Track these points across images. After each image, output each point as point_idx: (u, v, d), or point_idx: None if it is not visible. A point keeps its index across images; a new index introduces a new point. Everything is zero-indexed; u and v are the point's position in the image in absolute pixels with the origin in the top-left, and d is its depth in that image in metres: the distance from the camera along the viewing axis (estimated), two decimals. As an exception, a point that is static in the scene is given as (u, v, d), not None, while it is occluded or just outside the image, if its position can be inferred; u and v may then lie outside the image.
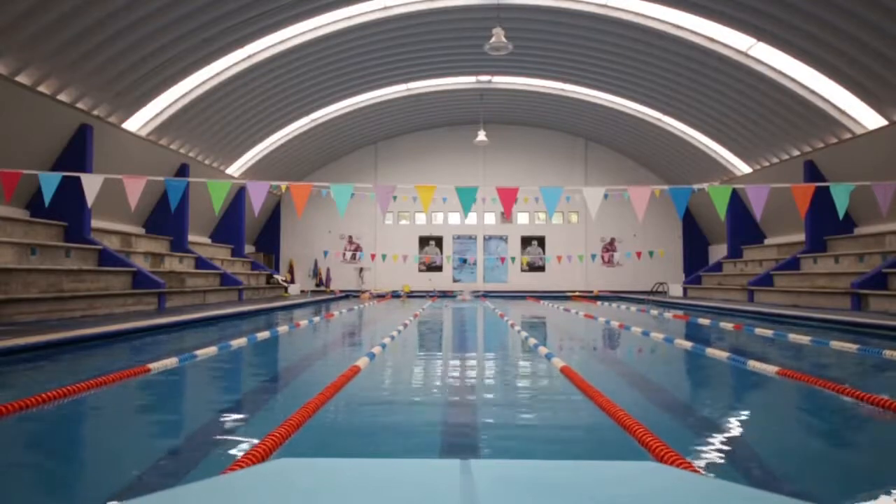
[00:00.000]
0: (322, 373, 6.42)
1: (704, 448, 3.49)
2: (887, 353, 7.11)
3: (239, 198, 21.89)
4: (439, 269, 27.87)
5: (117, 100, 14.12)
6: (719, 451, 3.43)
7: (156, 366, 5.94)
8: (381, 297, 24.28)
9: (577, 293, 25.77)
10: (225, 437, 3.82)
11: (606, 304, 20.48)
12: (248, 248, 25.88)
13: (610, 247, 27.79)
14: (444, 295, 25.42)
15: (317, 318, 13.73)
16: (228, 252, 22.08)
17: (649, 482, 1.64)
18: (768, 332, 9.65)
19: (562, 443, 3.79)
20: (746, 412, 4.63)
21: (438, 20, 16.61)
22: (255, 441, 3.34)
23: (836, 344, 8.06)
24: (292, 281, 25.89)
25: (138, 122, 15.70)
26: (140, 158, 16.15)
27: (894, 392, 4.94)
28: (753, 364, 6.29)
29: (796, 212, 9.89)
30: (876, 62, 13.01)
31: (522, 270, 27.84)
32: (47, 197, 8.38)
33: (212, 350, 7.29)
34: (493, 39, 13.36)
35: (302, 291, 25.32)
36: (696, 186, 9.64)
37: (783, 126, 17.58)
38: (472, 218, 27.38)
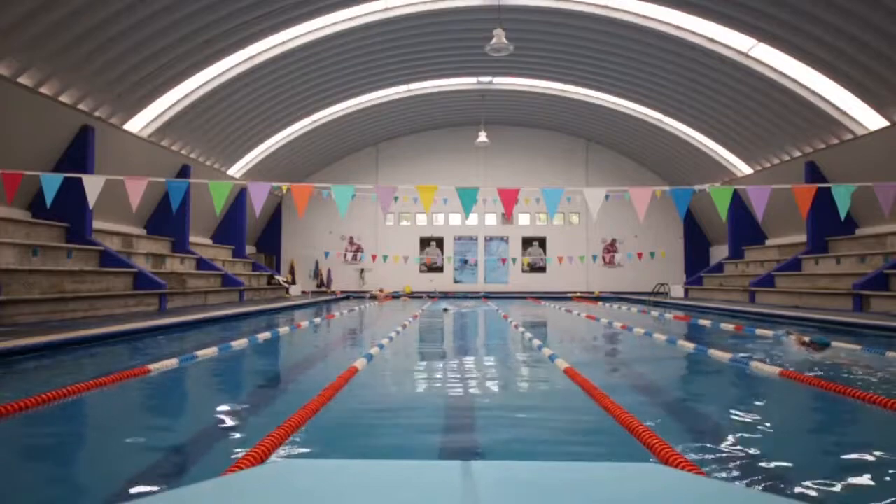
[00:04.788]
0: (322, 374, 6.42)
1: (707, 449, 3.49)
2: (889, 353, 7.10)
3: (240, 199, 21.91)
4: (440, 269, 27.86)
5: (119, 101, 14.14)
6: (721, 452, 3.42)
7: (156, 367, 5.95)
8: (374, 298, 24.20)
9: (578, 294, 25.75)
10: (225, 438, 3.82)
11: (607, 304, 20.47)
12: (250, 249, 25.90)
13: (611, 247, 27.78)
14: (446, 296, 25.40)
15: (317, 319, 13.73)
16: (229, 253, 22.09)
17: (650, 483, 1.64)
18: (769, 333, 9.64)
19: (564, 444, 3.79)
20: (748, 413, 4.62)
21: (439, 21, 16.62)
22: (255, 442, 3.34)
23: (837, 345, 8.05)
24: (293, 282, 25.89)
25: (140, 124, 15.72)
26: (141, 159, 16.17)
27: (894, 392, 4.93)
28: (755, 365, 6.29)
29: (797, 213, 9.87)
30: (876, 62, 13.00)
31: (523, 271, 27.83)
32: (49, 198, 8.38)
33: (212, 351, 7.30)
34: (493, 40, 13.36)
35: (303, 292, 25.32)
36: (697, 187, 9.62)
37: (784, 127, 17.57)
38: (472, 219, 27.39)
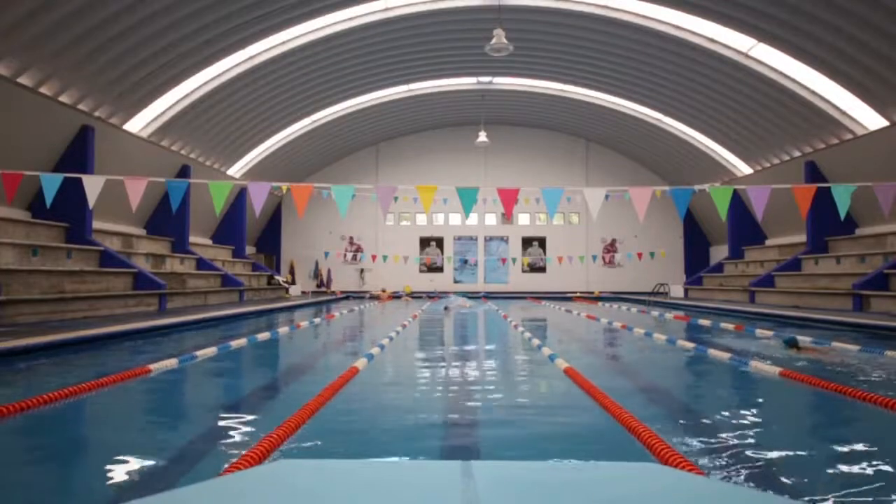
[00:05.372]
0: (321, 374, 6.41)
1: (707, 449, 3.49)
2: (889, 353, 7.10)
3: (240, 199, 21.91)
4: (440, 269, 27.87)
5: (119, 101, 14.14)
6: (721, 452, 3.42)
7: (156, 366, 5.95)
8: (376, 297, 24.32)
9: (578, 294, 25.76)
10: (225, 438, 3.82)
11: (607, 304, 20.47)
12: (249, 249, 25.90)
13: (611, 247, 27.77)
14: (445, 296, 25.39)
15: (317, 319, 13.73)
16: (229, 253, 22.09)
17: (650, 483, 1.64)
18: (769, 333, 9.64)
19: (564, 443, 3.79)
20: (748, 413, 4.62)
21: (439, 21, 16.62)
22: (255, 442, 3.34)
23: (837, 344, 8.05)
24: (293, 282, 25.89)
25: (140, 124, 15.72)
26: (141, 159, 16.17)
27: (894, 391, 4.93)
28: (755, 365, 6.29)
29: (797, 212, 9.87)
30: (876, 62, 13.00)
31: (523, 271, 27.83)
32: (49, 198, 8.38)
33: (212, 351, 7.30)
34: (493, 40, 13.35)
35: (303, 292, 25.32)
36: (697, 187, 9.62)
37: (784, 127, 17.57)
38: (472, 219, 27.39)
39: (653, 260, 22.99)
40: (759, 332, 9.98)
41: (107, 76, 13.01)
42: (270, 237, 27.63)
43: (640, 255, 22.49)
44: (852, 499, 2.75)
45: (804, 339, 7.98)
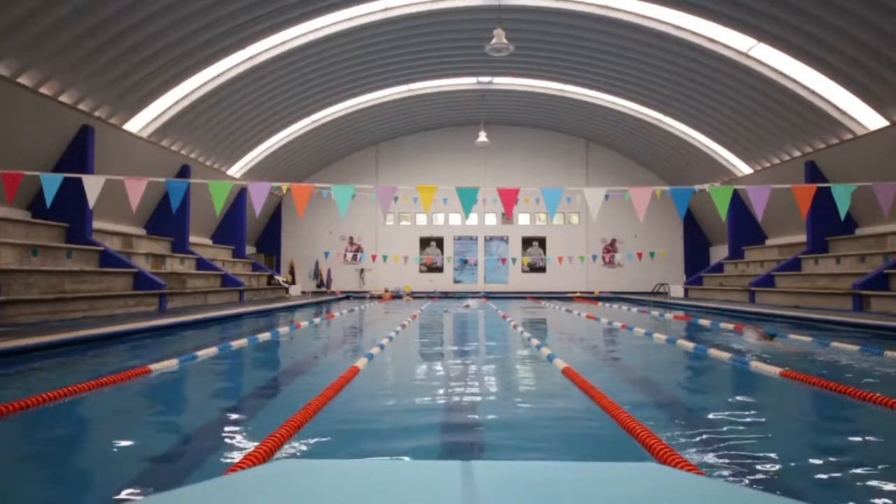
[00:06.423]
0: (322, 374, 6.41)
1: (707, 449, 3.49)
2: (888, 353, 7.10)
3: (240, 199, 21.92)
4: (440, 269, 27.87)
5: (119, 101, 14.14)
6: (721, 452, 3.42)
7: (157, 367, 5.95)
8: (378, 297, 24.48)
9: (578, 294, 25.76)
10: (225, 438, 3.82)
11: (607, 304, 20.46)
12: (249, 250, 25.91)
13: (611, 247, 27.78)
14: (447, 296, 25.38)
15: (317, 319, 13.73)
16: (229, 253, 22.10)
17: (650, 483, 1.64)
18: (761, 330, 9.63)
19: (563, 443, 3.79)
20: (748, 413, 4.62)
21: (439, 21, 16.63)
22: (256, 442, 3.34)
23: (836, 344, 8.06)
24: (293, 282, 25.90)
25: (140, 124, 15.72)
26: (141, 159, 16.17)
27: (894, 391, 4.93)
28: (756, 364, 6.29)
29: (797, 212, 9.87)
30: (876, 62, 13.00)
31: (523, 271, 27.84)
32: (49, 198, 8.38)
33: (212, 351, 7.30)
34: (493, 40, 13.36)
35: (303, 292, 25.33)
36: (697, 187, 9.61)
37: (784, 126, 17.57)
38: (472, 219, 27.40)
39: (653, 260, 22.99)
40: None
41: (107, 76, 13.01)
42: (270, 237, 27.64)
43: (640, 255, 22.49)
44: (852, 499, 2.75)
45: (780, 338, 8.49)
